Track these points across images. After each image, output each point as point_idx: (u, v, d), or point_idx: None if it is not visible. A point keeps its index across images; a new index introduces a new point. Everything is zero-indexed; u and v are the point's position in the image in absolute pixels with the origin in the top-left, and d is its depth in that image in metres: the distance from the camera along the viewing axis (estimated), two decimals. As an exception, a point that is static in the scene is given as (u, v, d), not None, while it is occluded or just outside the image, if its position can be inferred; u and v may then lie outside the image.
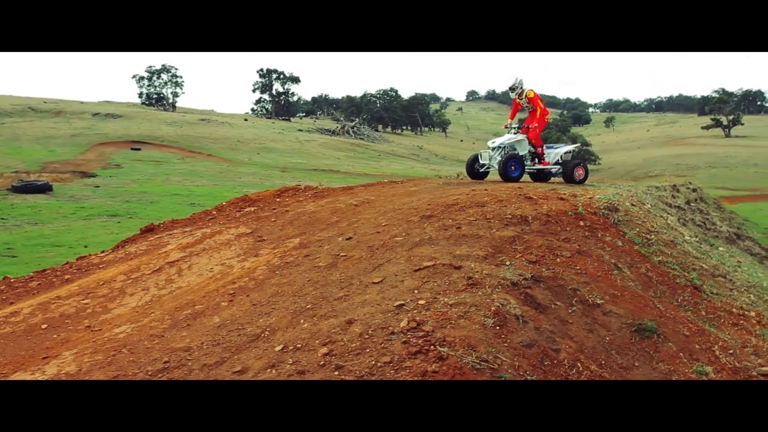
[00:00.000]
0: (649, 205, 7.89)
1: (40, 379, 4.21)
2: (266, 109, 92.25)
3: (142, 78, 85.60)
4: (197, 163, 34.91)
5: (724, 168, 43.74)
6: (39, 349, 4.95)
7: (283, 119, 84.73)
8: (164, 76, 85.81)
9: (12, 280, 7.29)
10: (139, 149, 38.12)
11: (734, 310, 5.16)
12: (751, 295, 5.79)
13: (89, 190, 22.88)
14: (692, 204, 11.24)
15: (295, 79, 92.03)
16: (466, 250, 5.07)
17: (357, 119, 78.77)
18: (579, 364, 3.80)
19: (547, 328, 4.06)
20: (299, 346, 3.76)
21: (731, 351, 4.39)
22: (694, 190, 12.83)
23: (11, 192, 20.80)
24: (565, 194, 7.07)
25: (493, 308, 3.98)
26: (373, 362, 3.38)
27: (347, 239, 6.06)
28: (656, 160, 53.00)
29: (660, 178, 34.56)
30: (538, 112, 10.13)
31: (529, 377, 3.45)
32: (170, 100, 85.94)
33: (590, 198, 6.88)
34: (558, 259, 5.11)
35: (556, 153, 10.24)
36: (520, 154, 9.91)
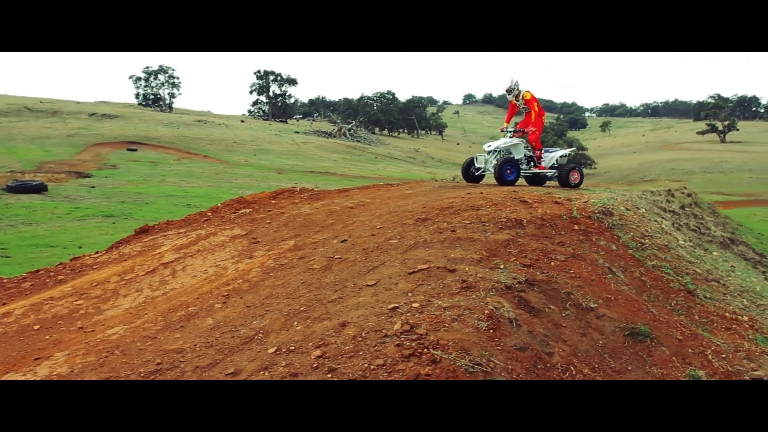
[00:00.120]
0: (643, 210, 7.91)
1: (30, 380, 4.19)
2: (263, 111, 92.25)
3: (138, 79, 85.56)
4: (193, 165, 34.86)
5: (719, 173, 43.91)
6: (31, 350, 4.93)
7: (280, 121, 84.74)
8: (161, 77, 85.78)
9: (5, 281, 7.26)
10: (135, 150, 38.04)
11: (727, 314, 5.17)
12: (744, 299, 5.81)
13: (84, 190, 22.81)
14: (687, 209, 11.28)
15: (292, 81, 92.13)
16: (460, 253, 5.07)
17: (354, 122, 78.82)
18: (572, 368, 3.80)
19: (540, 331, 4.06)
20: (292, 348, 3.75)
21: (724, 355, 4.40)
22: (689, 195, 12.88)
23: (6, 192, 20.72)
24: (560, 198, 7.09)
25: (486, 311, 3.98)
26: (366, 365, 3.37)
27: (342, 242, 6.06)
28: (652, 164, 53.18)
29: (655, 183, 34.65)
30: (533, 115, 10.15)
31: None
32: (167, 101, 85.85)
33: (585, 202, 6.89)
34: (552, 263, 5.11)
35: (551, 157, 10.27)
36: (516, 157, 9.93)
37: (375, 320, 3.89)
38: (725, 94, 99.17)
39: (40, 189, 21.25)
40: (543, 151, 10.33)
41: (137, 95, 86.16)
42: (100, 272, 6.95)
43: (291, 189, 10.34)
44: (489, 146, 10.11)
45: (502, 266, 4.84)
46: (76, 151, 35.47)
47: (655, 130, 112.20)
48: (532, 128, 10.11)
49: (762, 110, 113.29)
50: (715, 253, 8.32)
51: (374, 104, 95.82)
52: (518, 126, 10.34)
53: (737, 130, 76.39)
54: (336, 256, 5.57)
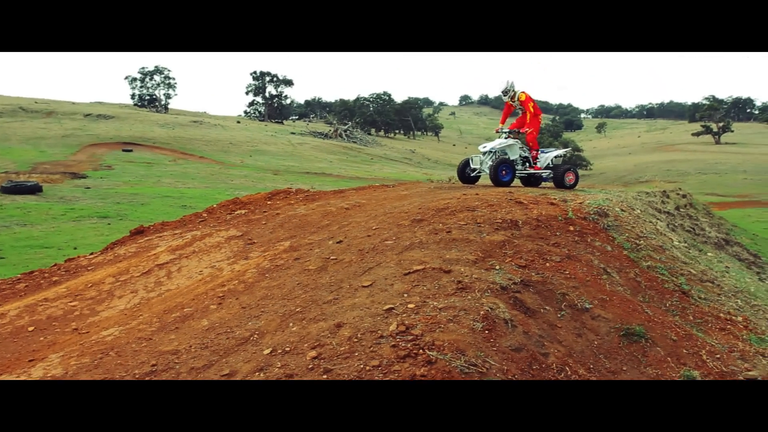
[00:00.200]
0: (638, 211, 7.93)
1: (22, 380, 4.17)
2: (259, 112, 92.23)
3: (134, 79, 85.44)
4: (189, 165, 34.79)
5: (714, 174, 44.08)
6: (25, 351, 4.91)
7: (276, 122, 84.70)
8: (157, 78, 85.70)
9: (-1, 282, 7.23)
10: (130, 150, 37.95)
11: (722, 314, 5.19)
12: (739, 300, 5.83)
13: (79, 191, 22.74)
14: (682, 210, 11.32)
15: (289, 82, 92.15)
16: (456, 254, 5.08)
17: (350, 123, 78.78)
18: (567, 368, 3.81)
19: (536, 332, 4.07)
20: (288, 349, 3.75)
21: (718, 355, 4.41)
22: (684, 196, 12.92)
23: (0, 193, 20.63)
24: (555, 199, 7.10)
25: (482, 312, 3.98)
26: (362, 366, 3.37)
27: (338, 243, 6.05)
28: (647, 165, 53.35)
29: (650, 184, 34.77)
30: (528, 116, 10.17)
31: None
32: (163, 102, 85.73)
33: (580, 203, 6.91)
34: (548, 264, 5.12)
35: (546, 157, 10.30)
36: (511, 158, 9.95)
37: (370, 321, 3.89)
38: (720, 96, 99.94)
39: (34, 190, 21.16)
40: (539, 152, 10.35)
41: (133, 96, 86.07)
42: (95, 273, 6.93)
43: (287, 190, 10.33)
44: (484, 147, 10.12)
45: (497, 267, 4.85)
46: (72, 151, 35.36)
47: (651, 131, 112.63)
48: (527, 129, 10.13)
49: (756, 112, 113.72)
50: (709, 254, 8.35)
51: (370, 105, 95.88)
52: (511, 127, 10.35)
53: (732, 131, 76.75)
54: (332, 257, 5.57)
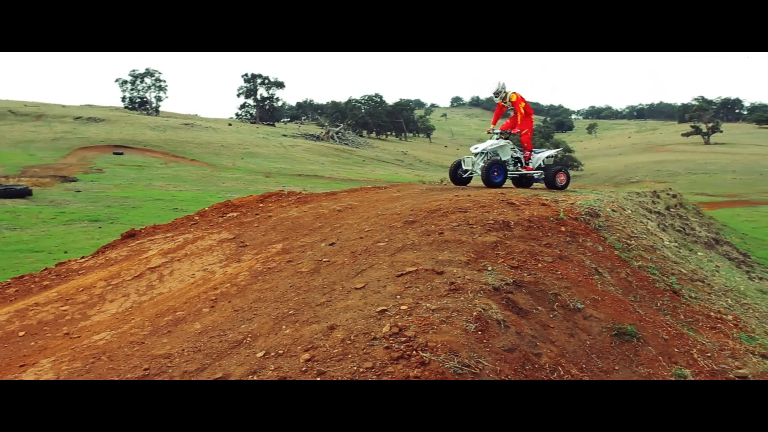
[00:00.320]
0: (629, 211, 7.98)
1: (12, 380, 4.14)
2: (251, 114, 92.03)
3: (125, 82, 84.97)
4: (180, 168, 34.64)
5: (704, 174, 44.38)
6: (16, 356, 4.87)
7: (268, 124, 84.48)
8: (147, 80, 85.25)
9: (-11, 287, 7.17)
10: (121, 153, 37.75)
11: (712, 313, 5.23)
12: (729, 299, 5.88)
13: (70, 194, 22.59)
14: (672, 210, 11.39)
15: (280, 84, 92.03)
16: (448, 256, 5.09)
17: (342, 125, 78.72)
18: (560, 368, 3.83)
19: (528, 332, 4.09)
20: (281, 352, 3.74)
21: (709, 354, 4.45)
22: (674, 196, 13.00)
23: (-11, 197, 20.46)
24: (546, 200, 7.14)
25: (475, 313, 3.99)
26: (356, 368, 3.38)
27: (330, 245, 6.05)
28: (637, 166, 53.64)
29: (641, 184, 34.98)
30: (519, 117, 10.21)
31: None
32: (153, 104, 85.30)
33: (572, 204, 6.95)
34: (539, 264, 5.14)
35: (538, 158, 10.35)
36: (503, 159, 9.99)
37: (364, 323, 3.89)
38: (709, 97, 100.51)
39: (24, 193, 21.00)
40: (532, 153, 10.40)
41: (123, 98, 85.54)
42: (86, 277, 6.89)
43: (279, 192, 10.32)
44: (476, 148, 10.16)
45: (489, 268, 4.87)
46: (62, 155, 35.12)
47: (641, 132, 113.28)
48: (519, 130, 10.18)
49: (745, 112, 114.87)
50: (699, 254, 8.41)
51: (362, 107, 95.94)
52: (502, 128, 10.39)
53: (721, 131, 77.30)
54: (324, 260, 5.57)
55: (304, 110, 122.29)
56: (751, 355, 4.54)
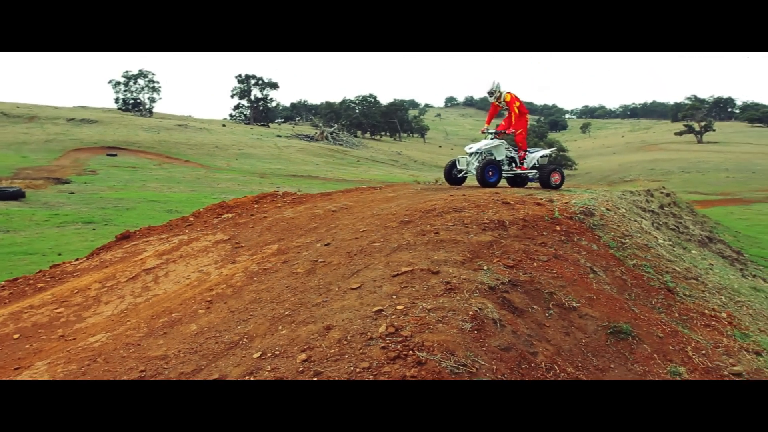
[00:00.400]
0: (623, 210, 8.02)
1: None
2: (245, 115, 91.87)
3: (118, 83, 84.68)
4: (174, 169, 34.55)
5: (697, 173, 44.61)
6: (11, 359, 4.85)
7: (262, 125, 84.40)
8: (141, 81, 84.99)
9: (-18, 290, 7.13)
10: (115, 155, 37.63)
11: (706, 311, 5.26)
12: (723, 296, 5.92)
13: (63, 196, 22.49)
14: (666, 208, 11.45)
15: (274, 85, 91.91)
16: (444, 255, 5.10)
17: (336, 125, 78.73)
18: (556, 367, 3.84)
19: (524, 331, 4.10)
20: (278, 352, 3.74)
21: (704, 351, 4.47)
22: (668, 195, 13.07)
23: (-18, 199, 20.35)
24: (541, 199, 7.16)
25: (470, 312, 4.00)
26: (352, 368, 3.38)
27: (326, 245, 6.05)
28: (631, 165, 53.86)
29: (634, 183, 35.08)
30: (513, 117, 10.23)
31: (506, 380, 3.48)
32: (147, 106, 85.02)
33: (566, 203, 6.97)
34: (535, 264, 5.16)
35: (532, 157, 10.37)
36: (498, 159, 10.01)
37: (360, 323, 3.90)
38: (702, 96, 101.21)
39: (17, 196, 20.91)
40: (526, 152, 10.43)
41: (117, 100, 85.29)
42: (80, 279, 6.86)
43: (274, 193, 10.30)
44: (470, 148, 10.18)
45: (485, 267, 4.88)
46: (55, 156, 34.98)
47: (634, 131, 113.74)
48: (514, 130, 10.19)
49: (737, 111, 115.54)
50: (693, 252, 8.46)
51: (356, 107, 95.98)
52: (498, 128, 10.41)
53: (714, 130, 77.74)
54: (320, 260, 5.57)
55: (298, 111, 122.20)
56: (745, 353, 4.57)
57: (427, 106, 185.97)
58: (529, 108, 12.93)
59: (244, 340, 4.10)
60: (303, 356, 3.59)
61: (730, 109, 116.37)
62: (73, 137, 42.63)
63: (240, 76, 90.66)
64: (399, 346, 3.53)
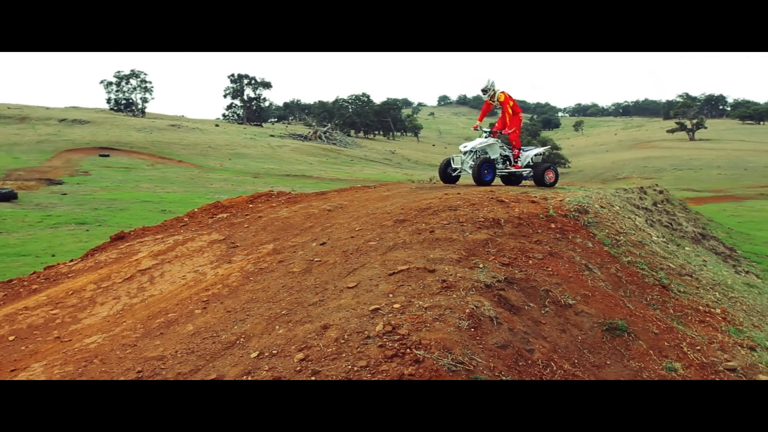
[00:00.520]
0: (617, 207, 8.06)
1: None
2: (238, 115, 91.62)
3: (110, 83, 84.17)
4: (167, 170, 34.41)
5: (689, 170, 44.83)
6: (6, 361, 4.83)
7: (255, 125, 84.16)
8: (133, 82, 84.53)
9: (-24, 292, 7.08)
10: (107, 156, 37.43)
11: (701, 307, 5.30)
12: (717, 292, 5.96)
13: (56, 197, 22.36)
14: (659, 205, 11.51)
15: (267, 85, 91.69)
16: (439, 254, 5.11)
17: (329, 124, 78.58)
18: (552, 364, 3.86)
19: (520, 329, 4.12)
20: (275, 352, 3.74)
21: (699, 347, 4.50)
22: (661, 192, 13.14)
23: (-26, 201, 20.21)
24: (536, 197, 7.18)
25: (467, 310, 4.02)
26: (350, 366, 3.39)
27: (321, 244, 6.05)
28: (624, 162, 54.06)
29: (628, 181, 35.24)
30: (507, 117, 10.26)
31: (504, 378, 3.49)
32: (139, 106, 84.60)
33: (561, 201, 7.00)
34: (530, 261, 5.18)
35: (526, 155, 10.41)
36: (492, 157, 10.03)
37: (357, 322, 3.90)
38: (693, 93, 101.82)
39: (9, 197, 20.77)
40: (520, 151, 10.46)
41: (109, 100, 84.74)
42: (75, 281, 6.84)
43: (268, 193, 10.29)
44: (465, 147, 10.20)
45: (481, 265, 4.89)
46: (47, 157, 34.75)
47: (627, 129, 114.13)
48: (509, 129, 10.22)
49: (729, 108, 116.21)
50: (687, 248, 8.51)
51: (349, 107, 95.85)
52: (494, 128, 10.44)
53: (705, 128, 78.13)
54: (316, 259, 5.57)
55: (292, 110, 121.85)
56: (739, 348, 4.61)
57: (420, 104, 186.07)
58: (522, 106, 12.95)
59: (241, 339, 4.10)
60: (300, 355, 3.60)
61: (721, 107, 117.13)
62: (65, 138, 42.38)
63: (233, 75, 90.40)
64: (396, 345, 3.54)
